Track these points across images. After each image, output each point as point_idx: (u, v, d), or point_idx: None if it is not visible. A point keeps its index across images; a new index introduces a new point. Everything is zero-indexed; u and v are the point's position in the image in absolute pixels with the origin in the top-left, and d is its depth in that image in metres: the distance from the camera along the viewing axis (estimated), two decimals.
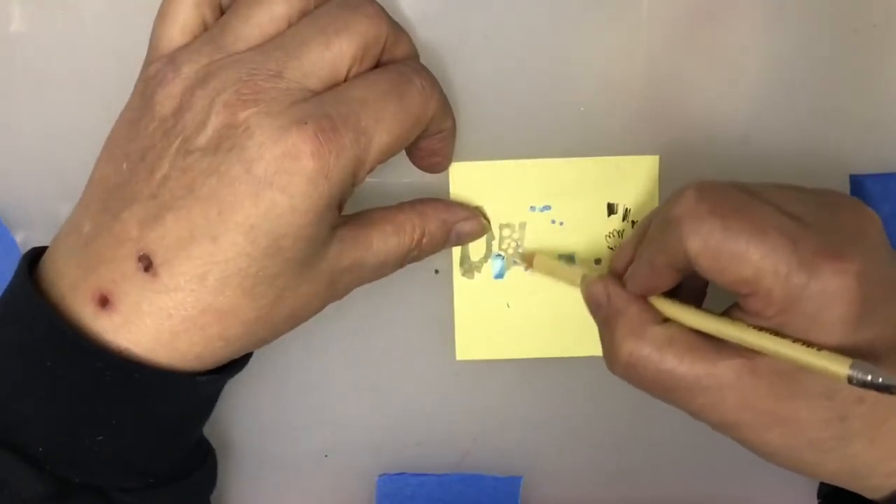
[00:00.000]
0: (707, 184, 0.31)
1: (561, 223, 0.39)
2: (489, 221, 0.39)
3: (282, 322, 0.32)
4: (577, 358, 0.40)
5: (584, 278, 0.35)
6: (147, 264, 0.30)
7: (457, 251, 0.39)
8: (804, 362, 0.29)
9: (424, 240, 0.35)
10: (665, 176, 0.39)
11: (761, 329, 0.30)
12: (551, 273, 0.38)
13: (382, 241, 0.34)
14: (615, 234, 0.39)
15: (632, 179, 0.39)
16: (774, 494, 0.43)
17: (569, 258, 0.39)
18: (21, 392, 0.30)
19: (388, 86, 0.31)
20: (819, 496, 0.39)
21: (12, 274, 0.32)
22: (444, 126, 0.35)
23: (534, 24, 0.38)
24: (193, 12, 0.33)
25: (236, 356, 0.33)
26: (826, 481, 0.33)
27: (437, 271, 0.40)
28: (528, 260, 0.39)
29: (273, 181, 0.29)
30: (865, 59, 0.39)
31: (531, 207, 0.39)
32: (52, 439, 0.30)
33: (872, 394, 0.29)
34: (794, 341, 0.29)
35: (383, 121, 0.31)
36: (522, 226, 0.39)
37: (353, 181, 0.31)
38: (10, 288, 0.32)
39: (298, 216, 0.30)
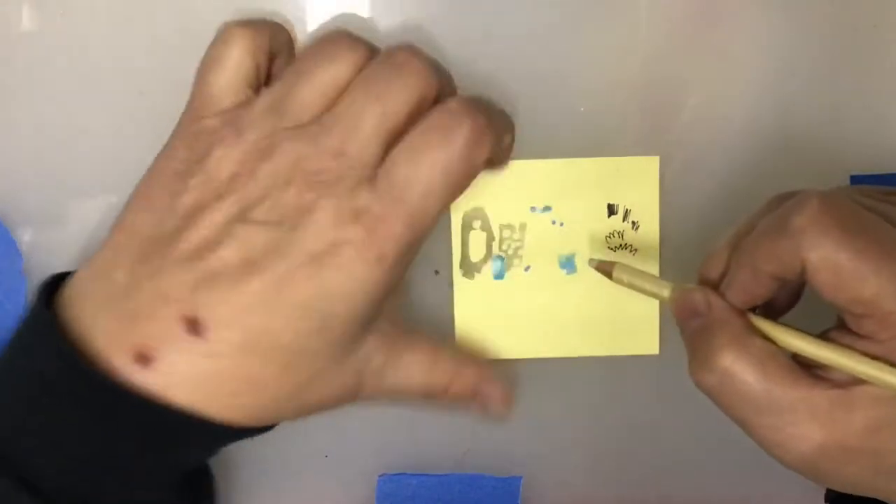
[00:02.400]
0: (829, 195, 0.29)
1: (561, 224, 0.39)
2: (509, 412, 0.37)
3: (308, 406, 0.32)
4: (577, 358, 0.40)
5: (676, 288, 0.34)
6: (193, 327, 0.30)
7: (457, 252, 0.39)
8: None
9: (449, 394, 0.35)
10: (665, 176, 0.39)
11: (874, 357, 0.29)
12: (632, 285, 0.35)
13: (415, 363, 0.34)
14: (615, 234, 0.39)
15: (632, 179, 0.39)
16: (775, 495, 0.43)
17: (568, 259, 0.39)
18: (34, 427, 0.30)
19: (436, 154, 0.30)
20: (827, 499, 0.39)
21: (9, 273, 0.32)
22: (505, 144, 0.34)
23: (534, 25, 0.38)
24: (248, 62, 0.32)
25: (259, 425, 0.33)
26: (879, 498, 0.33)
27: (437, 272, 0.40)
28: (606, 270, 0.36)
29: (331, 264, 0.29)
30: (865, 59, 0.39)
31: (531, 208, 0.39)
32: (61, 478, 0.30)
33: None
34: None
35: (434, 192, 0.31)
36: (523, 226, 0.39)
37: (412, 257, 0.31)
38: (28, 322, 0.32)
39: (352, 299, 0.30)
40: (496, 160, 0.35)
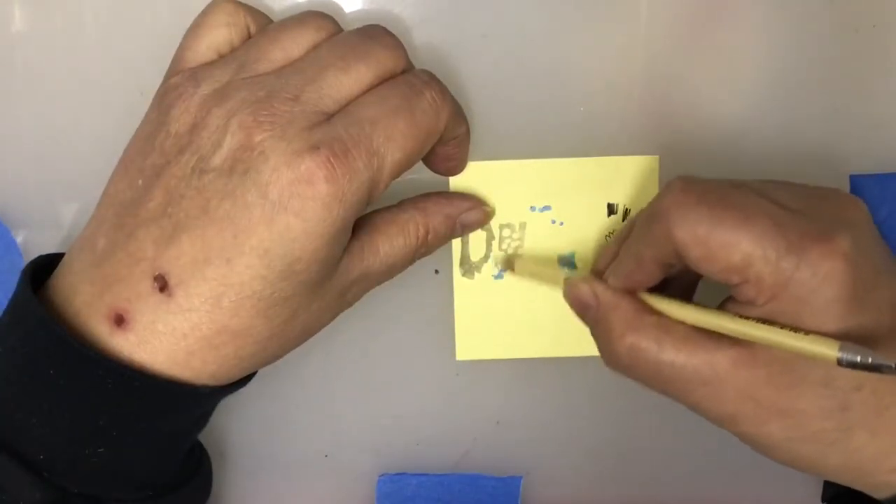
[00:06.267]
0: (693, 177, 0.31)
1: (561, 223, 0.39)
2: (492, 208, 0.38)
3: (294, 338, 0.32)
4: (577, 358, 0.40)
5: (566, 281, 0.35)
6: (162, 284, 0.30)
7: (457, 252, 0.39)
8: (793, 347, 0.29)
9: (430, 236, 0.35)
10: (665, 176, 0.39)
11: (748, 318, 0.30)
12: (534, 276, 0.38)
13: (389, 246, 0.34)
14: (615, 234, 0.39)
15: (632, 179, 0.39)
16: (775, 496, 0.43)
17: (568, 258, 0.39)
18: (24, 400, 0.30)
19: (399, 101, 0.31)
20: (823, 499, 0.39)
21: (9, 273, 0.32)
22: (458, 132, 0.35)
23: (533, 25, 0.38)
24: (224, 31, 0.33)
25: (248, 373, 0.33)
26: (830, 479, 0.33)
27: (437, 271, 0.40)
28: (509, 264, 0.39)
29: (288, 206, 0.29)
30: (865, 59, 0.39)
31: (531, 207, 0.39)
32: (53, 449, 0.30)
33: (870, 380, 0.28)
34: (781, 327, 0.29)
35: (395, 139, 0.31)
36: (522, 226, 0.39)
37: (367, 201, 0.31)
38: (14, 298, 0.32)
39: (313, 240, 0.30)
40: (452, 154, 0.36)
